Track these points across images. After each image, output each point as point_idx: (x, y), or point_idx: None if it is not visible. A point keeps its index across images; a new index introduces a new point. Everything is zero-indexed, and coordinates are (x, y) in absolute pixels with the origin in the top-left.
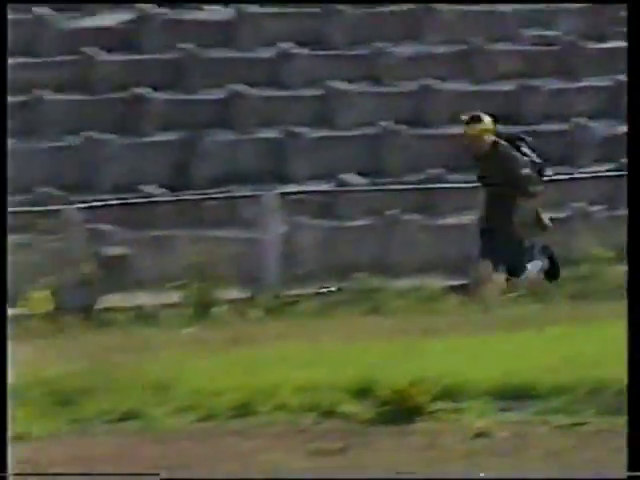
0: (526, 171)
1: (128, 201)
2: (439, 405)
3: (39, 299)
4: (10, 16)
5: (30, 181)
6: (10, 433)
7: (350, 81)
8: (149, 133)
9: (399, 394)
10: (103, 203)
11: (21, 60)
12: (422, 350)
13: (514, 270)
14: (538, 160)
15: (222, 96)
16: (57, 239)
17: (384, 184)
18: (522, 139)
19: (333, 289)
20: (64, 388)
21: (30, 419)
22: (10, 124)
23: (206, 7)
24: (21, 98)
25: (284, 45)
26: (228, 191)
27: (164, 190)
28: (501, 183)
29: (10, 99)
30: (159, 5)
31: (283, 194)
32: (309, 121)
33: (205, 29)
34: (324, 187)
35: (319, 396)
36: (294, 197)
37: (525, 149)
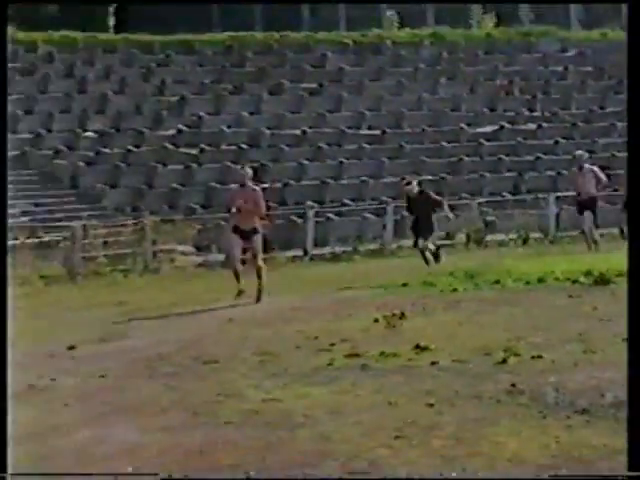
0: (440, 198)
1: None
2: (616, 279)
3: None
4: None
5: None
6: (440, 288)
7: None
8: None
9: (602, 274)
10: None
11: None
12: (607, 258)
13: (427, 239)
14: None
15: None
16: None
17: None
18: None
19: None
20: (470, 271)
21: (454, 284)
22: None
23: None
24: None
25: None
26: None
27: None
28: (427, 205)
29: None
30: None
31: None
32: None
33: None
34: None
35: (571, 275)
36: None
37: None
